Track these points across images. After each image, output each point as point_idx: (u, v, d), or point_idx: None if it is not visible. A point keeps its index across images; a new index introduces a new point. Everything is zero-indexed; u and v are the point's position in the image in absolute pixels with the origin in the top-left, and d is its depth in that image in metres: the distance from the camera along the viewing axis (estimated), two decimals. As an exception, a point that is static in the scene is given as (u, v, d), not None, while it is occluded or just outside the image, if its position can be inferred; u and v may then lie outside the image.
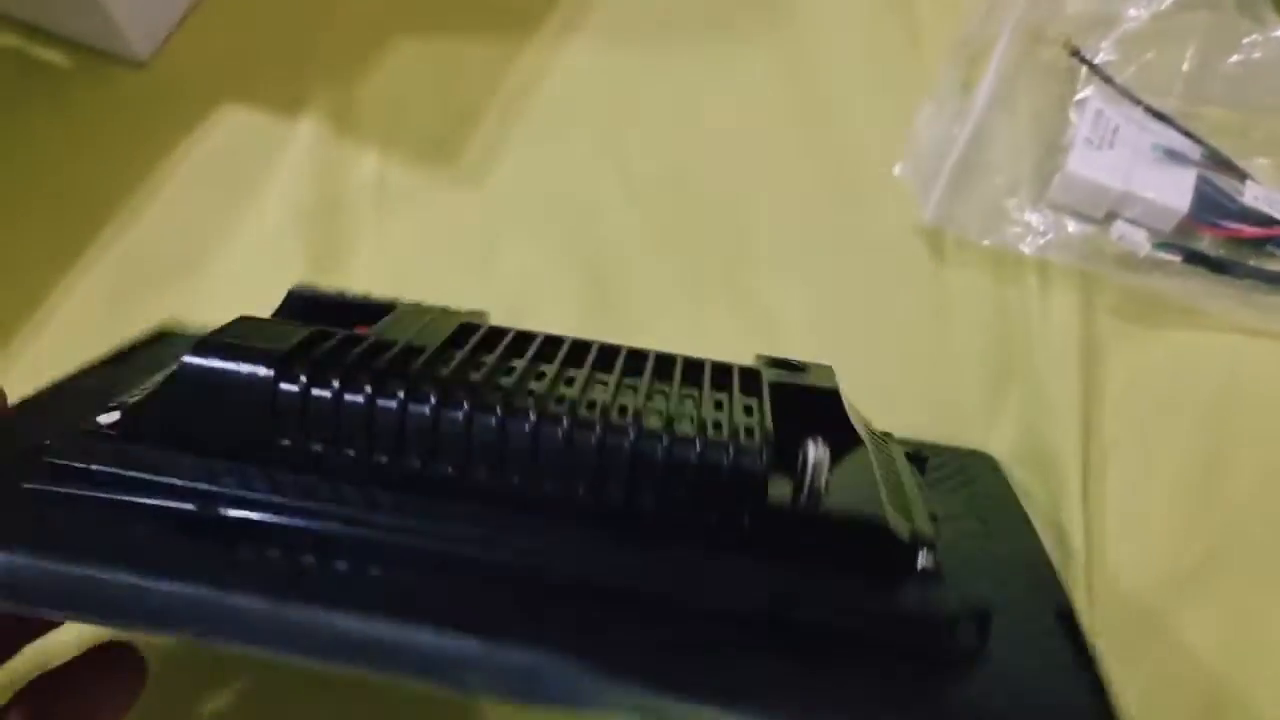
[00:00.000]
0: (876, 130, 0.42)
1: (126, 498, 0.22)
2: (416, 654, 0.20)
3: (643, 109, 0.43)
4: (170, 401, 0.23)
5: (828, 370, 0.27)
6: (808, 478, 0.22)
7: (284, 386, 0.23)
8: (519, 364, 0.25)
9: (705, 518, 0.23)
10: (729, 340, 0.37)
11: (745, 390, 0.25)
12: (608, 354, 0.26)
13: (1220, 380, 0.37)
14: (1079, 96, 0.41)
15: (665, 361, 0.26)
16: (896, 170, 0.39)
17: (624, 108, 0.43)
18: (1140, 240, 0.38)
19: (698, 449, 0.23)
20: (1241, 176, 0.39)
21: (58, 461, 0.23)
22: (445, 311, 0.27)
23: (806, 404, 0.25)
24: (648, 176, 0.41)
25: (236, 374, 0.23)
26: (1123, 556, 0.34)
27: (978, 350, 0.38)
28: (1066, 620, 0.25)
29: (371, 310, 0.27)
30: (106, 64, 0.42)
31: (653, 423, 0.23)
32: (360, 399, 0.23)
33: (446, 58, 0.44)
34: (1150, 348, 0.38)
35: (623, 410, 0.23)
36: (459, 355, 0.24)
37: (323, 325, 0.25)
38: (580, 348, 0.26)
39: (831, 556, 0.22)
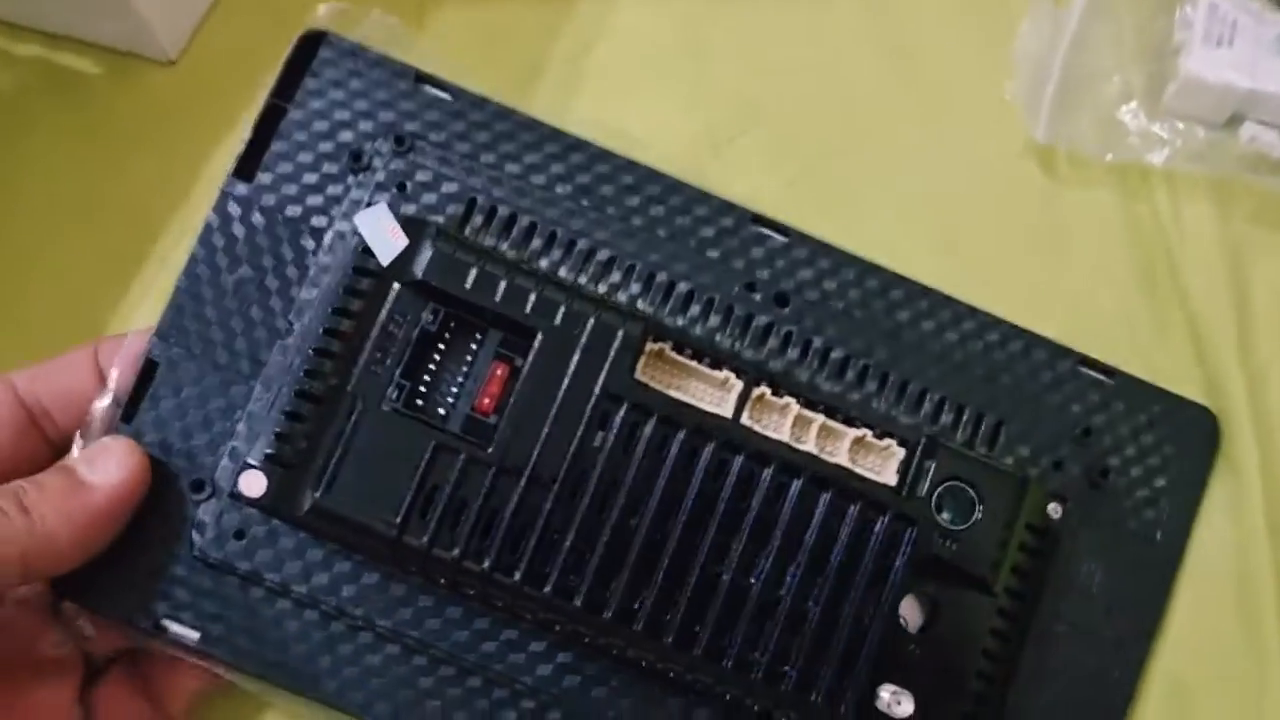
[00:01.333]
0: (973, 55, 0.39)
1: (274, 591, 0.28)
2: None
3: (715, 57, 0.40)
4: (305, 520, 0.27)
5: (1007, 481, 0.28)
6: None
7: (405, 549, 0.27)
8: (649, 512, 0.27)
9: None
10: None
11: (882, 555, 0.27)
12: (756, 458, 0.27)
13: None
14: (1187, -7, 0.38)
15: (815, 484, 0.27)
16: (1006, 92, 0.36)
17: (694, 57, 0.40)
18: (1273, 140, 0.35)
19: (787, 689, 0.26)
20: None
21: (218, 553, 0.28)
22: (596, 328, 0.27)
23: (956, 575, 0.27)
24: (729, 125, 0.38)
25: (360, 532, 0.27)
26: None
27: (1111, 271, 0.35)
28: None
29: (512, 324, 0.28)
30: (135, 66, 0.39)
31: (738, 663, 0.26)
32: (479, 567, 0.26)
33: (495, 27, 0.41)
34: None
35: (724, 620, 0.26)
36: (588, 490, 0.27)
37: (458, 313, 0.27)
38: (727, 446, 0.27)
39: None
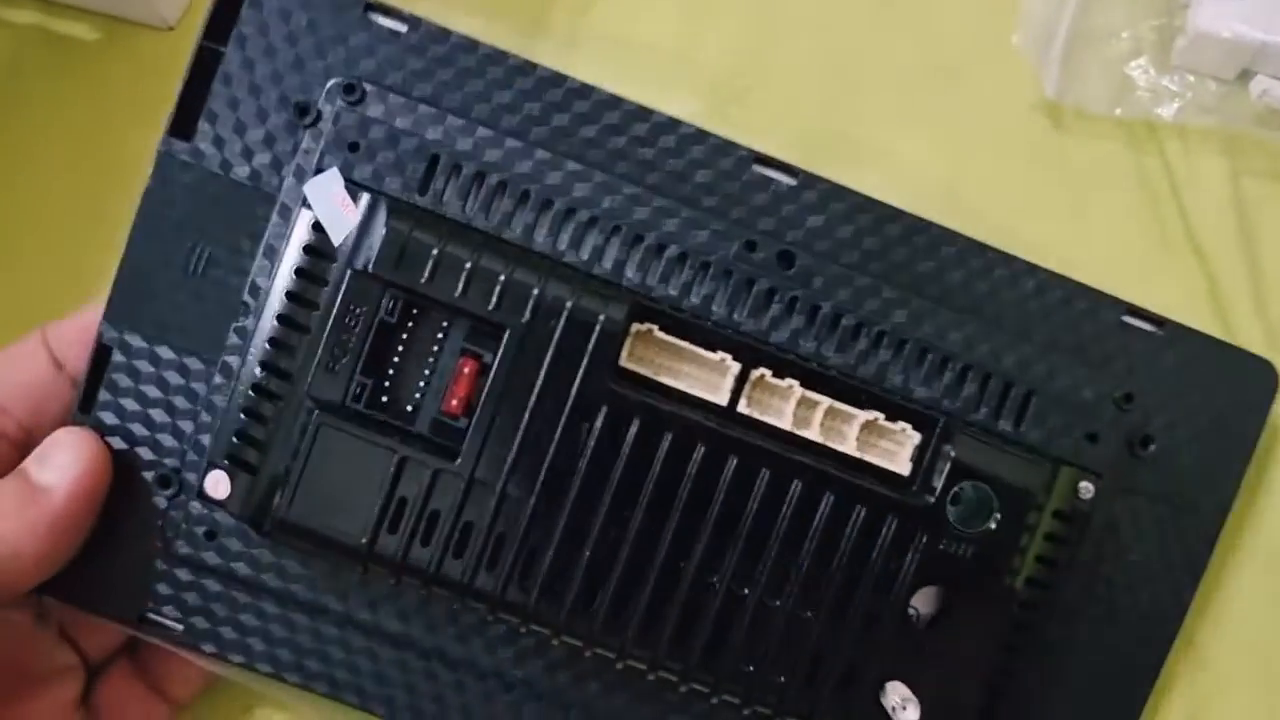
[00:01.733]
0: (982, 9, 0.38)
1: (252, 586, 0.28)
2: None
3: (718, 13, 0.39)
4: (274, 522, 0.26)
5: (1023, 496, 0.26)
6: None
7: (376, 564, 0.26)
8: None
9: None
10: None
11: (893, 555, 0.25)
12: (750, 457, 0.25)
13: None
14: (1196, -57, 0.37)
15: (815, 485, 0.26)
16: (1014, 40, 0.36)
17: (697, 15, 0.39)
18: (1286, 94, 0.35)
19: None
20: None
21: (191, 553, 0.27)
22: (570, 317, 0.25)
23: (965, 576, 0.26)
24: (733, 81, 0.38)
25: (327, 545, 0.26)
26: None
27: (1122, 226, 0.35)
28: None
29: (482, 326, 0.26)
30: (133, 32, 0.39)
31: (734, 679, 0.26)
32: (452, 585, 0.26)
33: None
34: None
35: (717, 635, 0.26)
36: (560, 523, 0.25)
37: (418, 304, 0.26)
38: (717, 450, 0.25)
39: None
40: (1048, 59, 0.36)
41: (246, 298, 0.27)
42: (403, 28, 0.27)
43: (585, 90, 0.28)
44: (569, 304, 0.25)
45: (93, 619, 0.28)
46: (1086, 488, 0.26)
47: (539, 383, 0.25)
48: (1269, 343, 0.32)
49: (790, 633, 0.25)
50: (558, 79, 0.28)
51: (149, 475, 0.27)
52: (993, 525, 0.25)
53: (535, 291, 0.25)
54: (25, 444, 0.27)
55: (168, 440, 0.27)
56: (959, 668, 0.25)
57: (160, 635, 0.28)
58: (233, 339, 0.27)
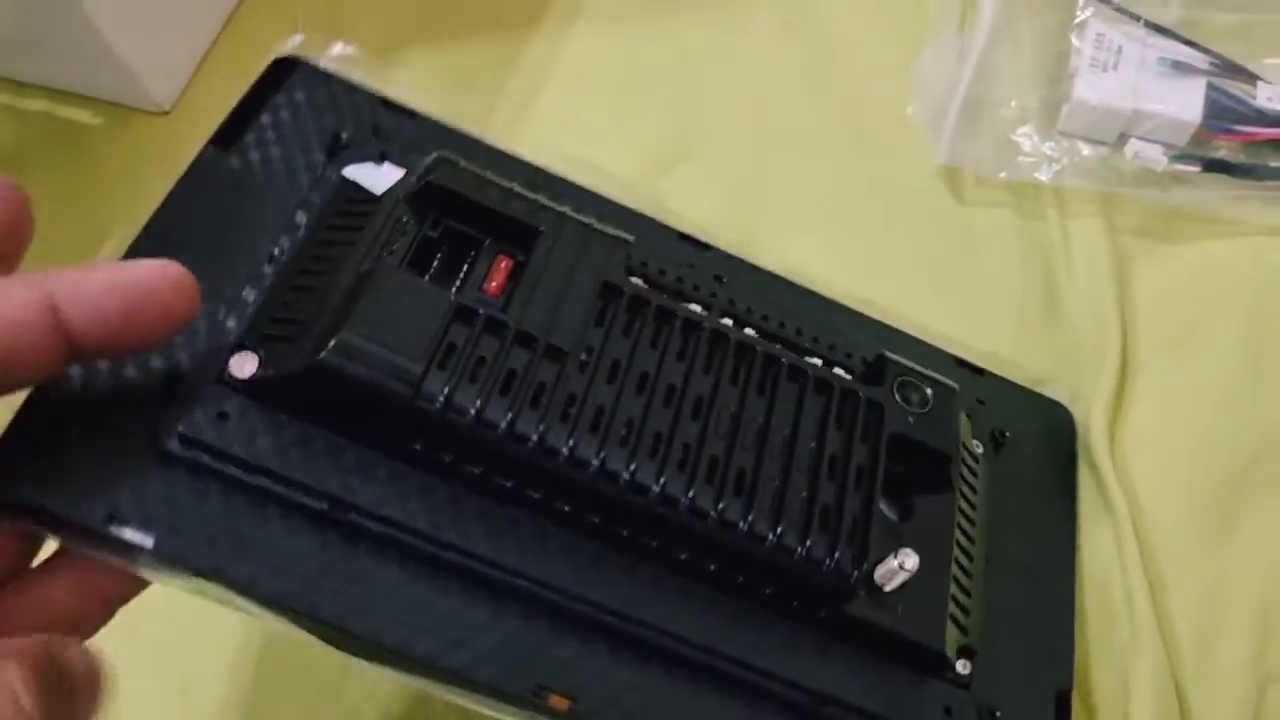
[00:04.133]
0: (885, 78, 0.42)
1: (261, 484, 0.23)
2: (507, 684, 0.24)
3: (652, 83, 0.44)
4: (307, 388, 0.24)
5: (948, 393, 0.29)
6: (891, 587, 0.25)
7: (422, 405, 0.24)
8: (660, 380, 0.26)
9: (784, 600, 0.26)
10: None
11: (864, 433, 0.27)
12: (745, 351, 0.28)
13: (1253, 285, 0.38)
14: (1078, 20, 0.41)
15: (796, 373, 0.28)
16: (909, 110, 0.39)
17: (633, 85, 0.44)
18: (1156, 155, 0.38)
19: (801, 552, 0.25)
20: (1252, 79, 0.39)
21: (195, 435, 0.23)
22: (590, 241, 0.27)
23: (921, 457, 0.28)
24: (663, 149, 0.42)
25: (374, 386, 0.23)
26: (1169, 469, 0.34)
27: (1009, 285, 0.38)
28: (1063, 701, 0.29)
29: (513, 229, 0.27)
30: (131, 116, 0.43)
31: (761, 527, 0.25)
32: (495, 432, 0.24)
33: (457, 68, 0.45)
34: (1177, 262, 0.38)
35: (743, 480, 0.26)
36: (604, 359, 0.26)
37: (459, 224, 0.27)
38: (719, 339, 0.27)
39: (886, 654, 0.26)
40: (942, 125, 0.39)
41: (275, 245, 0.27)
42: (411, 122, 0.31)
43: (550, 178, 0.31)
44: (587, 224, 0.28)
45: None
46: (976, 444, 0.31)
47: (571, 265, 0.27)
48: (1133, 389, 0.36)
49: (793, 495, 0.26)
50: (535, 170, 0.31)
51: (155, 372, 0.24)
52: (931, 403, 0.28)
53: (559, 213, 0.27)
54: None
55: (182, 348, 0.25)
56: (931, 551, 0.27)
57: (120, 549, 0.22)
58: (265, 269, 0.26)
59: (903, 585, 0.25)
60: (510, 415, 0.24)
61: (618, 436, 0.25)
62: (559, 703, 0.24)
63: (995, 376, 0.34)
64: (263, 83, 0.30)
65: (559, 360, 0.25)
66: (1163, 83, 0.39)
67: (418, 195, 0.26)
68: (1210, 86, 0.39)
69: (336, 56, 0.33)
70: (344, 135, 0.29)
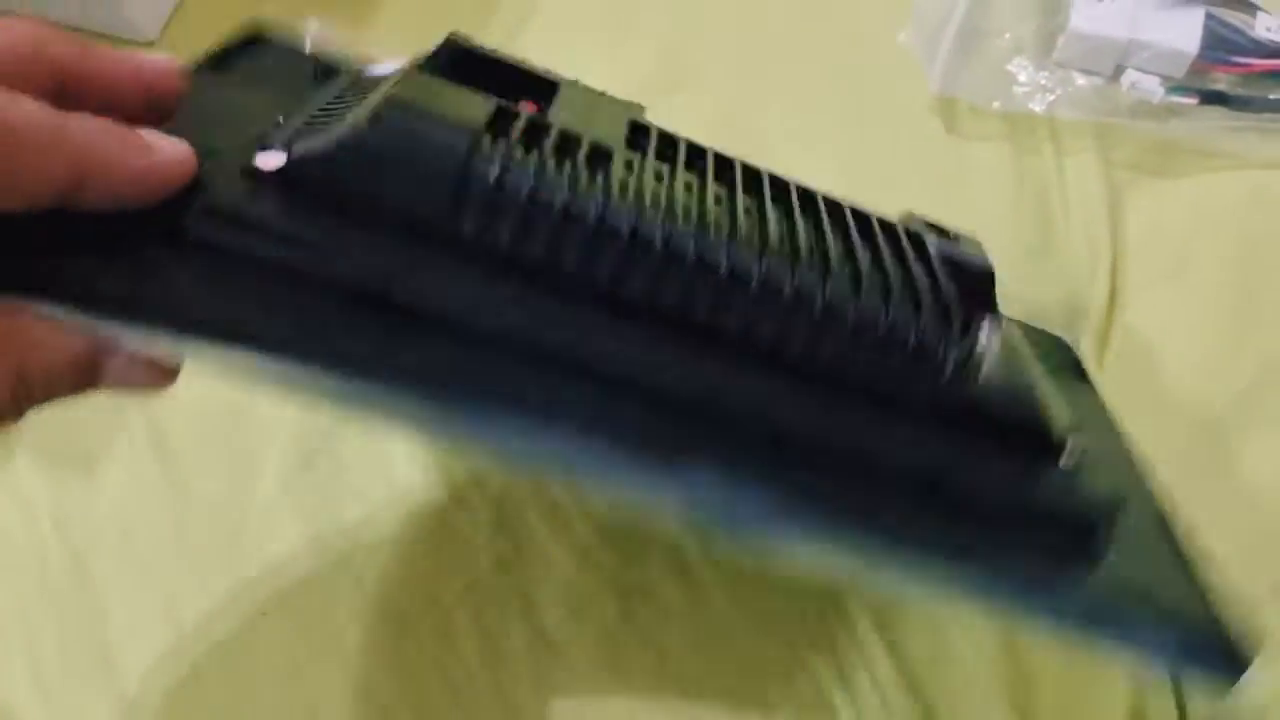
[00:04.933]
0: (877, 5, 0.41)
1: (293, 264, 0.20)
2: (593, 463, 0.20)
3: (640, 13, 0.43)
4: (344, 163, 0.21)
5: (977, 244, 0.27)
6: (980, 359, 0.23)
7: (477, 165, 0.21)
8: (708, 188, 0.24)
9: (879, 380, 0.23)
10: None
11: (917, 255, 0.25)
12: (779, 184, 0.26)
13: (1248, 218, 0.37)
14: (1076, -51, 0.40)
15: (835, 208, 0.26)
16: (900, 38, 0.39)
17: (620, 16, 0.43)
18: (1153, 87, 0.38)
19: (887, 319, 0.23)
20: (1251, 9, 0.39)
21: (222, 215, 0.21)
22: (608, 99, 0.26)
23: (964, 279, 0.25)
24: (654, 80, 0.41)
25: (425, 146, 0.21)
26: (1160, 401, 0.34)
27: (1002, 217, 0.38)
28: (1166, 523, 0.26)
29: (532, 83, 0.26)
30: (118, 47, 0.43)
31: (842, 287, 0.23)
32: (557, 200, 0.21)
33: (439, 7, 0.44)
34: (1172, 195, 0.38)
35: (819, 256, 0.23)
36: (648, 165, 0.23)
37: (483, 89, 0.23)
38: (750, 175, 0.26)
39: (991, 439, 0.23)
40: (934, 56, 0.39)
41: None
42: None
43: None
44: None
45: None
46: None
47: (596, 107, 0.26)
48: (1127, 322, 0.36)
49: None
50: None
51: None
52: (962, 243, 0.26)
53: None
54: None
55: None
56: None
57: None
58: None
59: (990, 367, 0.23)
60: (568, 190, 0.21)
61: (678, 217, 0.22)
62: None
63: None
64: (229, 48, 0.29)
65: (606, 157, 0.23)
66: (1160, 13, 0.38)
67: (436, 54, 0.24)
68: (1209, 16, 0.38)
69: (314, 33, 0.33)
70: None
